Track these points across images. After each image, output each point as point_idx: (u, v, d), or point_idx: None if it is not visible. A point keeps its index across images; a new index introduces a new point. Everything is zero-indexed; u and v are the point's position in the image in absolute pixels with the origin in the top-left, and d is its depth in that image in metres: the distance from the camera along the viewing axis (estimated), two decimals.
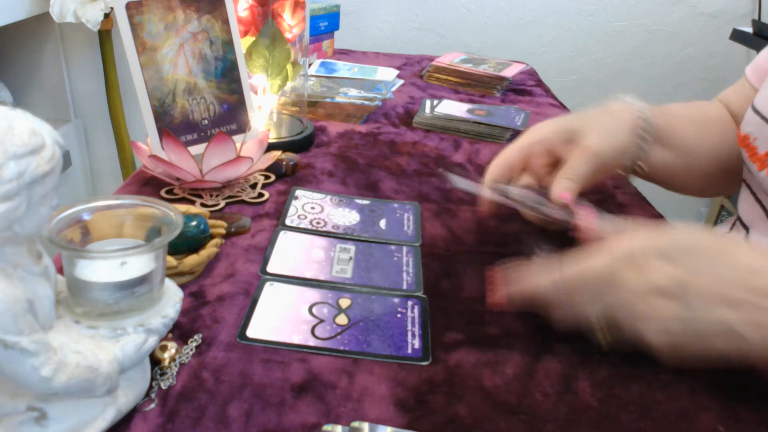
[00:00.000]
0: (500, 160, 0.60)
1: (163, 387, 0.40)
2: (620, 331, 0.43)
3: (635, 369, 0.45)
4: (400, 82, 1.18)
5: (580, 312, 0.44)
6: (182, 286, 0.49)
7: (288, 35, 0.78)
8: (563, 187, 0.55)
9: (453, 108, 0.99)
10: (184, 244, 0.51)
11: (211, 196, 0.65)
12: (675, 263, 0.40)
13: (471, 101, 1.09)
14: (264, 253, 0.56)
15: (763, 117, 0.61)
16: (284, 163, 0.72)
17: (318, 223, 0.61)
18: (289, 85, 0.79)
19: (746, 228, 0.65)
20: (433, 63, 1.25)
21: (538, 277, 0.46)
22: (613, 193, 0.75)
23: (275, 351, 0.44)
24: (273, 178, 0.71)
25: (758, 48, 1.49)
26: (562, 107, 1.12)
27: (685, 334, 0.40)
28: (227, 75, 0.69)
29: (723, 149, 0.69)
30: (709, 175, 0.70)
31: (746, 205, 0.65)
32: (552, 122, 0.61)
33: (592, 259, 0.43)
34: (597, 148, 0.57)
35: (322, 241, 0.58)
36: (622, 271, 0.42)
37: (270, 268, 0.53)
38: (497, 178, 0.59)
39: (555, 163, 0.59)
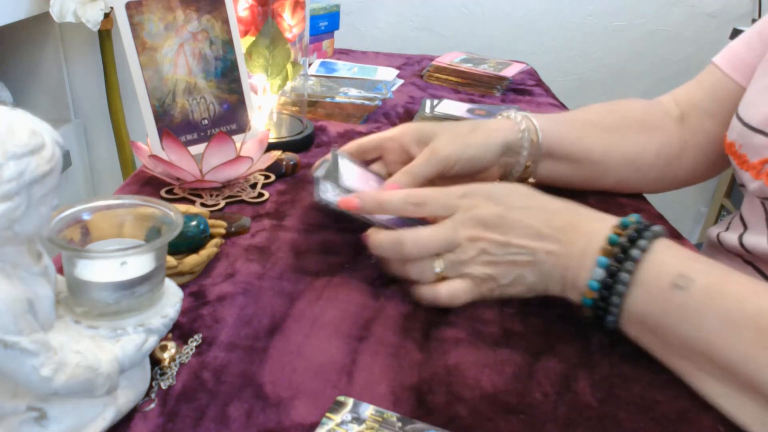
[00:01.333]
0: (355, 143, 0.65)
1: (163, 387, 0.40)
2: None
3: (635, 369, 0.45)
4: (400, 82, 1.19)
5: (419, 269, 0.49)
6: (182, 286, 0.49)
7: (288, 35, 0.78)
8: (395, 180, 0.57)
9: (453, 108, 0.99)
10: (184, 244, 0.51)
11: (211, 196, 0.65)
12: (496, 202, 0.48)
13: (471, 101, 1.09)
14: (263, 251, 0.56)
15: (746, 125, 0.61)
16: (284, 163, 0.72)
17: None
18: (289, 85, 0.79)
19: (745, 226, 0.66)
20: (433, 63, 1.25)
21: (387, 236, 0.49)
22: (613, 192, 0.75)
23: (276, 351, 0.44)
24: (273, 178, 0.71)
25: None
26: (562, 107, 1.12)
27: (498, 262, 0.47)
28: (227, 75, 0.69)
29: (646, 151, 0.70)
30: (632, 177, 0.71)
31: (749, 206, 0.65)
32: (414, 124, 0.64)
33: (428, 191, 0.51)
34: (442, 151, 0.59)
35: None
36: (451, 202, 0.49)
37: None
38: (347, 150, 0.64)
39: (408, 162, 0.61)
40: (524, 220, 0.47)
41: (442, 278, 0.49)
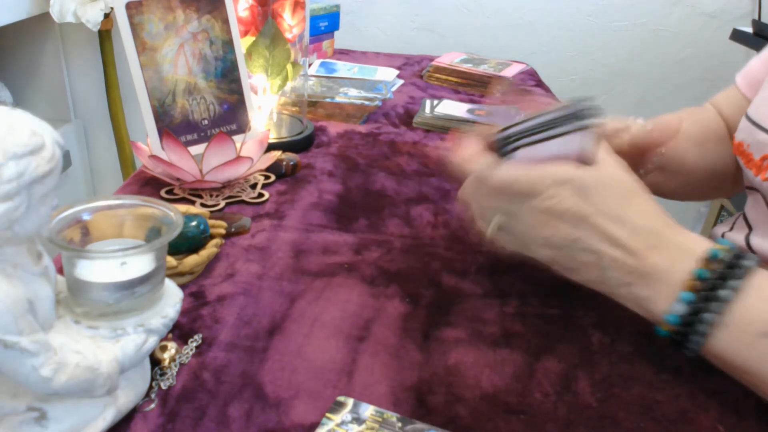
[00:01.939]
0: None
1: (163, 387, 0.40)
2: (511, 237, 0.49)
3: (635, 369, 0.45)
4: (400, 82, 1.18)
5: (484, 210, 0.49)
6: (182, 286, 0.49)
7: (288, 35, 0.78)
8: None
9: (453, 108, 0.99)
10: (184, 244, 0.51)
11: (211, 196, 0.65)
12: (584, 199, 0.45)
13: (471, 101, 1.09)
14: (263, 251, 0.56)
15: (755, 123, 0.62)
16: (284, 163, 0.72)
17: None
18: (289, 85, 0.79)
19: (750, 227, 0.66)
20: (433, 63, 1.25)
21: (476, 161, 0.49)
22: None
23: (276, 351, 0.44)
24: (273, 178, 0.71)
25: (758, 48, 1.49)
26: None
27: (565, 255, 0.46)
28: (227, 75, 0.69)
29: (719, 163, 0.72)
30: (702, 187, 0.72)
31: (753, 207, 0.65)
32: None
33: (524, 172, 0.47)
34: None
35: None
36: (541, 189, 0.46)
37: None
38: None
39: None
40: (605, 226, 0.45)
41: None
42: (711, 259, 0.42)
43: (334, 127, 0.91)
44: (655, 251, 0.44)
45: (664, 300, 0.42)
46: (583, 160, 0.48)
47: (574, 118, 0.47)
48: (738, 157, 0.65)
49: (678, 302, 0.42)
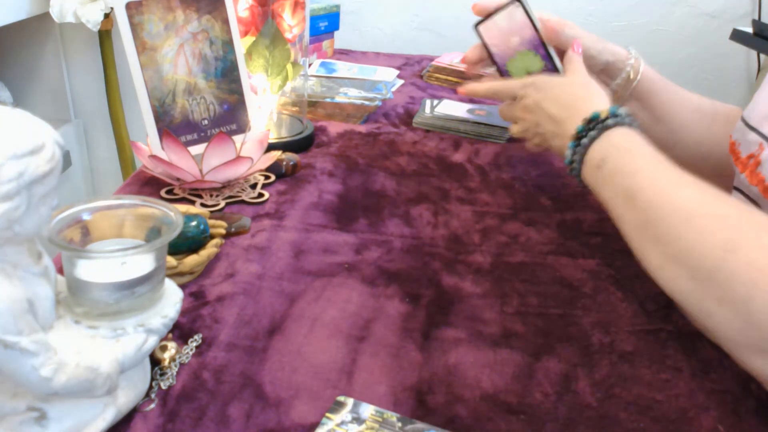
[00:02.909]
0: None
1: (163, 387, 0.40)
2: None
3: (635, 369, 0.45)
4: (400, 82, 1.18)
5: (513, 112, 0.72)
6: (182, 286, 0.49)
7: (288, 35, 0.78)
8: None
9: (453, 108, 0.99)
10: (184, 244, 0.51)
11: (211, 196, 0.65)
12: (539, 91, 0.67)
13: (471, 101, 1.09)
14: (264, 251, 0.56)
15: (746, 124, 0.65)
16: (284, 163, 0.72)
17: None
18: (289, 85, 0.79)
19: None
20: (433, 63, 1.25)
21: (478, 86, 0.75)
22: None
23: (276, 351, 0.44)
24: (273, 178, 0.71)
25: (758, 48, 1.49)
26: None
27: (539, 136, 0.67)
28: (227, 75, 0.69)
29: (720, 144, 0.71)
30: (695, 165, 0.73)
31: None
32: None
33: (503, 82, 0.73)
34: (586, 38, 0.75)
35: None
36: (515, 91, 0.70)
37: None
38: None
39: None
40: (547, 107, 0.65)
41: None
42: (591, 119, 0.57)
43: (334, 127, 0.91)
44: (571, 119, 0.61)
45: (569, 134, 0.60)
46: (530, 26, 0.72)
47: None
48: (731, 155, 0.66)
49: (568, 149, 0.59)
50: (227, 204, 0.65)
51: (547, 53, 0.72)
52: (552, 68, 0.71)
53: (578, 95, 0.64)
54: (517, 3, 0.71)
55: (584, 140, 0.58)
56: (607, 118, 0.57)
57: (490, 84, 0.74)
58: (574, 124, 0.60)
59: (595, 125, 0.58)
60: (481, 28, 0.73)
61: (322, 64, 1.23)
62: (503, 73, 0.75)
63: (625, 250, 0.60)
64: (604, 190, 0.54)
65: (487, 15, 0.72)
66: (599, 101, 0.62)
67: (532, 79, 0.69)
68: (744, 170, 0.62)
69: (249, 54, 0.73)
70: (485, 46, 0.74)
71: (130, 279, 0.35)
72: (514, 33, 0.72)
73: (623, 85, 0.76)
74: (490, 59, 0.75)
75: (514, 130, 0.72)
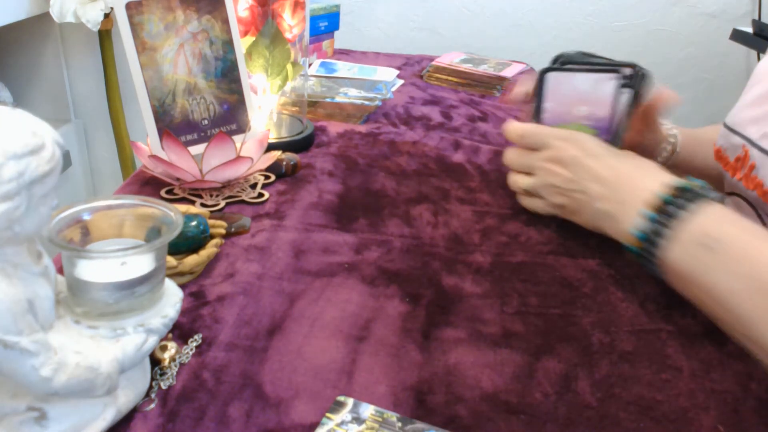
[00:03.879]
0: None
1: (163, 387, 0.40)
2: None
3: (635, 369, 0.45)
4: (400, 82, 1.18)
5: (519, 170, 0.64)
6: (182, 286, 0.49)
7: (288, 35, 0.78)
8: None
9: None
10: (184, 244, 0.51)
11: (211, 196, 0.65)
12: (577, 147, 0.58)
13: (471, 101, 1.09)
14: (262, 251, 0.56)
15: (730, 129, 0.66)
16: (284, 163, 0.72)
17: None
18: (289, 85, 0.79)
19: None
20: (433, 63, 1.25)
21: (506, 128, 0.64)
22: None
23: (276, 351, 0.44)
24: (273, 178, 0.71)
25: (758, 48, 1.49)
26: None
27: (569, 198, 0.58)
28: (227, 75, 0.69)
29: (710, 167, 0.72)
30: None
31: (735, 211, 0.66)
32: None
33: (534, 127, 0.63)
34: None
35: None
36: (548, 140, 0.60)
37: None
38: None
39: None
40: (591, 164, 0.56)
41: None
42: (677, 187, 0.49)
43: (334, 127, 0.91)
44: (635, 181, 0.53)
45: (630, 217, 0.51)
46: (612, 106, 0.59)
47: (615, 70, 0.59)
48: (718, 162, 0.67)
49: (640, 217, 0.50)
50: (227, 204, 0.65)
51: (612, 140, 0.60)
52: None
53: (633, 162, 0.56)
54: (615, 77, 0.59)
55: (679, 211, 0.47)
56: (702, 189, 0.48)
57: (520, 125, 0.63)
58: (643, 189, 0.51)
59: (688, 195, 0.48)
60: (551, 77, 0.61)
61: (322, 64, 1.23)
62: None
63: (625, 250, 0.61)
64: (715, 275, 0.44)
65: (565, 65, 0.61)
66: (662, 173, 0.53)
67: (571, 133, 0.59)
68: (735, 174, 0.62)
69: (249, 54, 0.73)
70: (540, 95, 0.62)
71: (130, 279, 0.35)
72: (587, 102, 0.61)
73: (666, 157, 0.73)
74: (534, 110, 0.63)
75: (524, 182, 0.63)
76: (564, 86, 0.61)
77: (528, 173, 0.63)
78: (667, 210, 0.48)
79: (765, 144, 0.58)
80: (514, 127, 0.63)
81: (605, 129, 0.60)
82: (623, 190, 0.53)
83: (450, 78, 1.21)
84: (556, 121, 0.62)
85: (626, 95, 0.59)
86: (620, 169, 0.55)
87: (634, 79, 0.60)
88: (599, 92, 0.60)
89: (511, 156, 0.65)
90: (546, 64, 0.64)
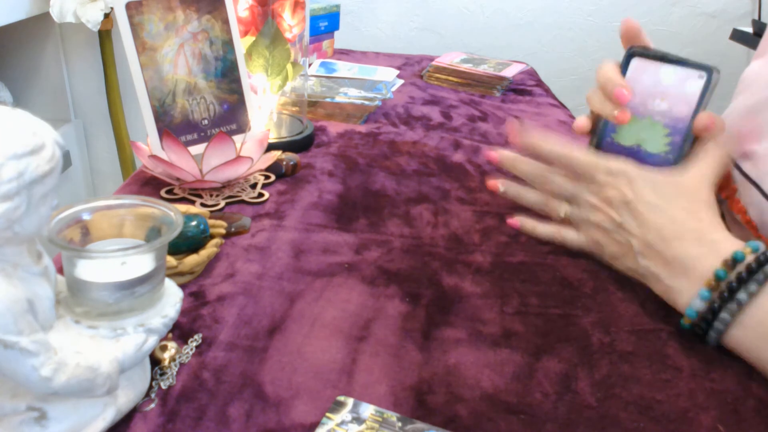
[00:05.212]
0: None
1: (163, 387, 0.40)
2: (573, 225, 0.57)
3: (635, 369, 0.45)
4: (400, 82, 1.18)
5: (551, 189, 0.57)
6: (182, 286, 0.49)
7: (288, 35, 0.78)
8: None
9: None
10: (184, 244, 0.51)
11: (211, 196, 0.65)
12: (632, 189, 0.51)
13: (471, 101, 1.09)
14: (263, 251, 0.56)
15: None
16: (284, 163, 0.72)
17: None
18: (289, 85, 0.79)
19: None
20: (433, 63, 1.25)
21: (543, 140, 0.57)
22: None
23: (276, 351, 0.44)
24: (273, 178, 0.71)
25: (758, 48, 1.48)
26: (562, 107, 1.12)
27: (610, 240, 0.52)
28: (227, 75, 0.69)
29: None
30: None
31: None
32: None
33: (584, 154, 0.55)
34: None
35: None
36: (596, 174, 0.53)
37: None
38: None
39: None
40: (645, 212, 0.50)
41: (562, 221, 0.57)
42: (733, 260, 0.44)
43: (334, 127, 0.91)
44: (685, 243, 0.47)
45: (686, 294, 0.46)
46: (694, 106, 0.53)
47: (708, 68, 0.53)
48: None
49: (698, 298, 0.45)
50: (227, 204, 0.65)
51: (682, 143, 0.54)
52: (670, 160, 0.54)
53: (689, 215, 0.49)
54: (706, 76, 0.52)
55: (739, 294, 0.43)
56: (761, 262, 0.44)
57: (562, 148, 0.55)
58: (697, 258, 0.46)
59: (748, 274, 0.43)
60: (636, 62, 0.54)
61: (322, 64, 1.23)
62: (598, 126, 0.57)
63: None
64: None
65: (654, 54, 0.54)
66: (719, 231, 0.48)
67: (623, 168, 0.52)
68: (721, 192, 0.58)
69: (249, 54, 0.73)
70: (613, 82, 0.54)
71: (130, 279, 0.35)
72: (667, 97, 0.54)
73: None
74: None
75: (563, 210, 0.56)
76: (647, 75, 0.54)
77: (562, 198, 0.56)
78: (726, 293, 0.44)
79: (745, 166, 0.54)
80: (551, 148, 0.56)
81: (680, 131, 0.54)
82: (674, 253, 0.47)
83: (450, 78, 1.21)
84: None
85: (708, 97, 0.53)
86: (673, 227, 0.48)
87: (714, 83, 0.53)
88: (684, 89, 0.53)
89: (541, 173, 0.57)
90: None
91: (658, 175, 0.51)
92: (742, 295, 0.43)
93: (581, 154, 0.55)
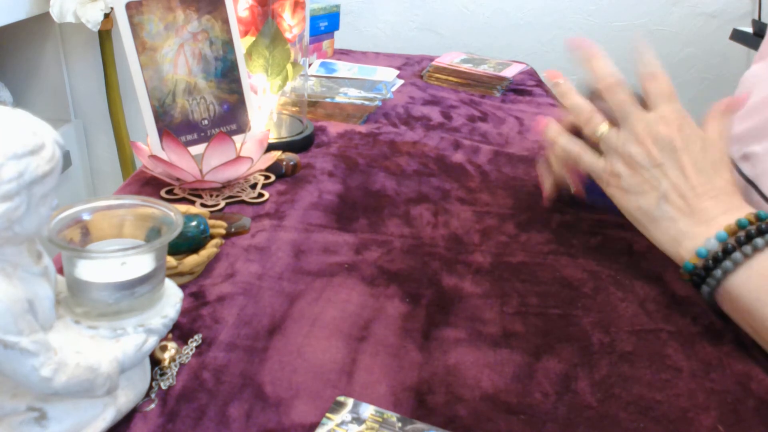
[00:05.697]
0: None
1: (163, 387, 0.40)
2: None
3: (635, 369, 0.45)
4: (400, 82, 1.18)
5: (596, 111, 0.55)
6: (182, 286, 0.49)
7: (288, 35, 0.78)
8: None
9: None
10: (184, 244, 0.51)
11: (211, 196, 0.65)
12: (682, 133, 0.50)
13: (471, 101, 1.09)
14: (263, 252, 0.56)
15: None
16: (284, 163, 0.72)
17: None
18: (289, 85, 0.79)
19: None
20: (433, 63, 1.25)
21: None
22: None
23: (276, 351, 0.44)
24: (273, 178, 0.71)
25: (758, 48, 1.48)
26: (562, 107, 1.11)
27: (638, 176, 0.51)
28: (227, 75, 0.69)
29: None
30: None
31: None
32: None
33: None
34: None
35: None
36: (661, 103, 0.52)
37: None
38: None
39: None
40: (688, 165, 0.50)
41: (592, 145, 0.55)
42: (758, 216, 0.46)
43: (334, 127, 0.91)
44: (715, 200, 0.48)
45: (700, 237, 0.47)
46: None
47: None
48: None
49: (713, 238, 0.46)
50: (227, 204, 0.65)
51: None
52: None
53: (726, 186, 0.50)
54: None
55: (758, 240, 0.45)
56: None
57: (644, 66, 0.55)
58: (720, 209, 0.48)
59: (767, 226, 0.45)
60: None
61: (322, 64, 1.23)
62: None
63: (625, 251, 0.61)
64: None
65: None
66: (748, 208, 0.49)
67: (685, 116, 0.52)
68: None
69: (249, 54, 0.73)
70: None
71: (130, 279, 0.35)
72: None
73: None
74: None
75: (603, 128, 0.54)
76: None
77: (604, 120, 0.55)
78: (743, 235, 0.45)
79: (745, 168, 0.55)
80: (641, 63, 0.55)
81: None
82: (703, 206, 0.48)
83: (450, 78, 1.21)
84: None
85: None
86: (709, 187, 0.49)
87: None
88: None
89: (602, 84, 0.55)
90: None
91: (707, 135, 0.52)
92: (759, 241, 0.44)
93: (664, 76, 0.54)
